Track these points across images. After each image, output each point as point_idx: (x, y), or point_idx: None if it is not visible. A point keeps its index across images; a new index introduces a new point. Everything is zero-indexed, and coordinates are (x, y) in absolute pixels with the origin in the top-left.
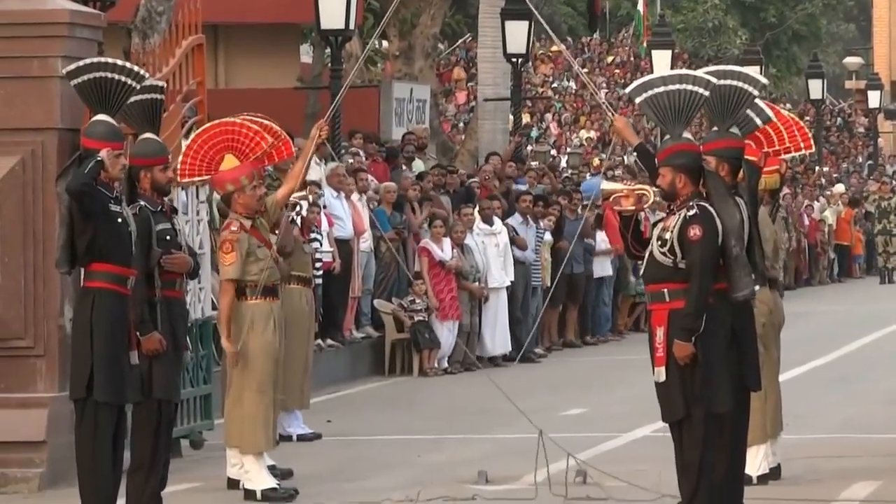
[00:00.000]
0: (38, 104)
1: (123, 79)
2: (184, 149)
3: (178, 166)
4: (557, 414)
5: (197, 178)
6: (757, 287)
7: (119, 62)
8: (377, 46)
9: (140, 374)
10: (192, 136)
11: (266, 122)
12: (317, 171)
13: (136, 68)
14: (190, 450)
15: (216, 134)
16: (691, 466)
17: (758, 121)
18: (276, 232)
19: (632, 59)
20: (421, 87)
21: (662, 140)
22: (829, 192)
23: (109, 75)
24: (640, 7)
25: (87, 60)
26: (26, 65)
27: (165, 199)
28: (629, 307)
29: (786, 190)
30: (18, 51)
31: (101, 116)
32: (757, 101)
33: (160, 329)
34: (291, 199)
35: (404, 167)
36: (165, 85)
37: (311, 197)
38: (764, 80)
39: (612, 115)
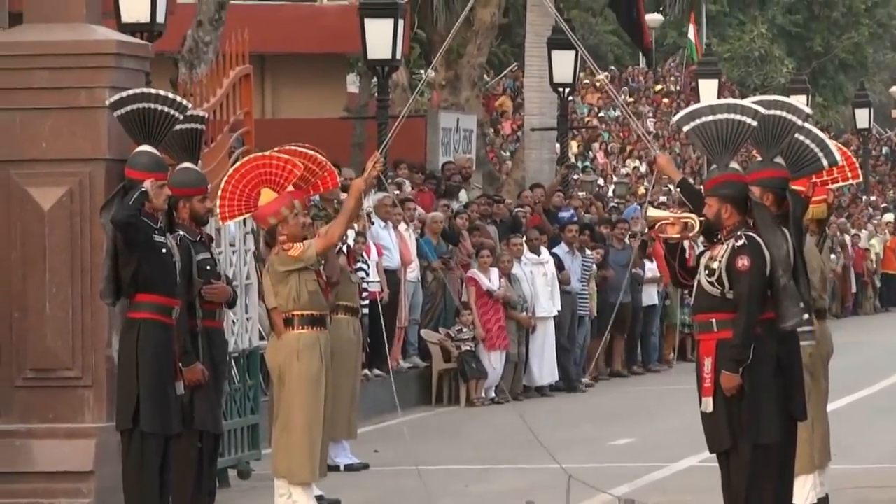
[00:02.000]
0: (85, 135)
1: (166, 109)
2: (219, 192)
3: (217, 209)
4: (605, 444)
5: (238, 218)
6: (806, 316)
7: (162, 92)
8: (424, 76)
9: (182, 405)
10: (225, 178)
11: (312, 152)
12: (364, 201)
13: (178, 98)
14: (237, 480)
15: (248, 171)
16: (738, 497)
17: (825, 162)
18: (324, 263)
19: (678, 88)
20: (467, 116)
21: (709, 169)
22: (875, 221)
23: (152, 106)
24: (692, 36)
25: (130, 91)
26: (74, 95)
27: (204, 228)
28: (675, 337)
29: (833, 218)
30: (66, 81)
31: (144, 147)
32: (828, 142)
33: (202, 360)
34: None
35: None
36: (207, 115)
37: (357, 225)
38: (808, 110)
39: (656, 152)
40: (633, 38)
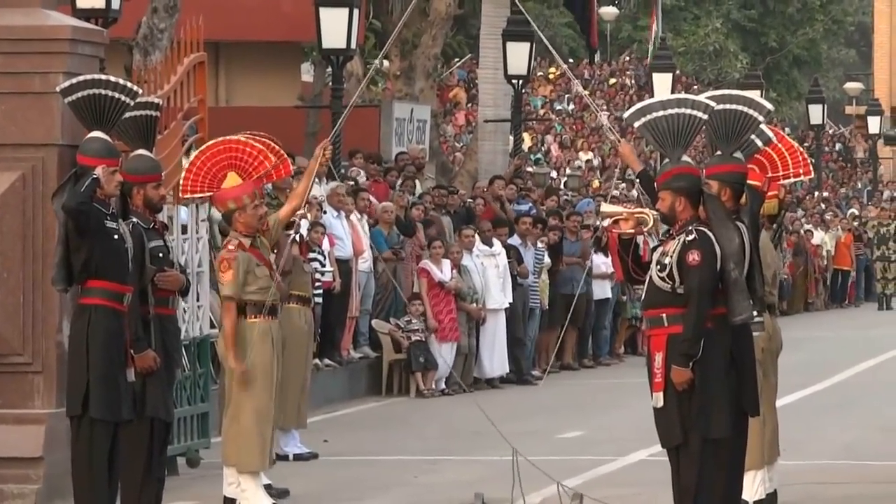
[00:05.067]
0: (38, 120)
1: (117, 95)
2: (187, 164)
3: (181, 182)
4: (554, 437)
5: (199, 195)
6: (755, 312)
7: (112, 78)
8: (378, 66)
9: (133, 392)
10: (196, 152)
11: (266, 140)
12: (317, 189)
13: (129, 84)
14: (186, 468)
15: (220, 151)
16: (688, 491)
17: (759, 142)
18: (275, 251)
19: (633, 82)
20: (421, 107)
21: (662, 164)
22: (828, 218)
23: (103, 92)
24: (652, 32)
25: (81, 78)
26: (27, 81)
27: (158, 216)
28: (625, 330)
29: (790, 214)
30: (20, 66)
31: (96, 133)
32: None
33: (154, 347)
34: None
35: (398, 188)
36: (161, 102)
37: (309, 215)
38: (769, 106)
39: (619, 140)
40: (583, 33)
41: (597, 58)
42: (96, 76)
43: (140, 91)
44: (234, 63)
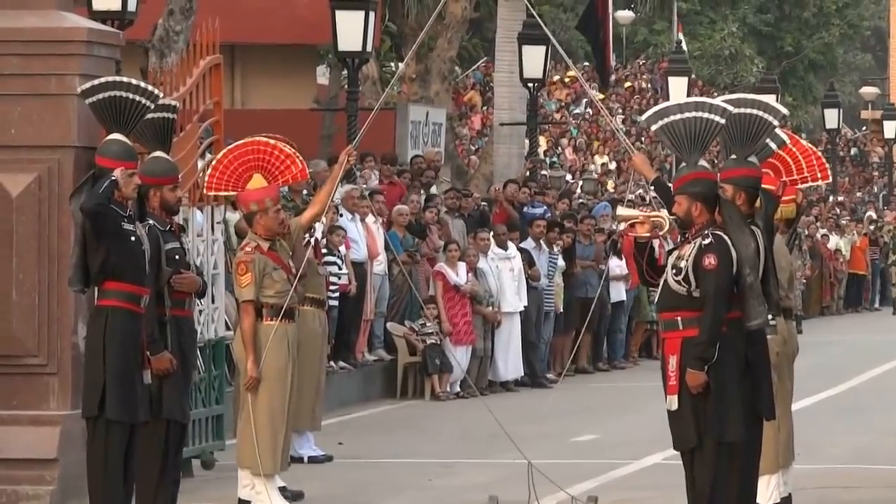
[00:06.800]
0: (54, 122)
1: (138, 98)
2: (202, 165)
3: (206, 178)
4: (568, 440)
5: (223, 193)
6: (770, 316)
7: (134, 81)
8: (394, 69)
9: (149, 393)
10: (224, 150)
11: (282, 143)
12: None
13: (150, 88)
14: (201, 470)
15: (248, 151)
16: (702, 495)
17: (773, 145)
18: (290, 254)
19: (648, 85)
20: (437, 110)
21: (678, 168)
22: (843, 222)
23: (124, 94)
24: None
25: (103, 79)
26: (44, 82)
27: (174, 218)
28: (642, 334)
29: (805, 218)
30: (36, 68)
31: (115, 135)
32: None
33: (170, 349)
34: None
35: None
36: (178, 105)
37: (325, 218)
38: (784, 111)
39: (633, 152)
40: (596, 59)
41: (613, 60)
42: (118, 78)
43: (160, 94)
44: (249, 65)
